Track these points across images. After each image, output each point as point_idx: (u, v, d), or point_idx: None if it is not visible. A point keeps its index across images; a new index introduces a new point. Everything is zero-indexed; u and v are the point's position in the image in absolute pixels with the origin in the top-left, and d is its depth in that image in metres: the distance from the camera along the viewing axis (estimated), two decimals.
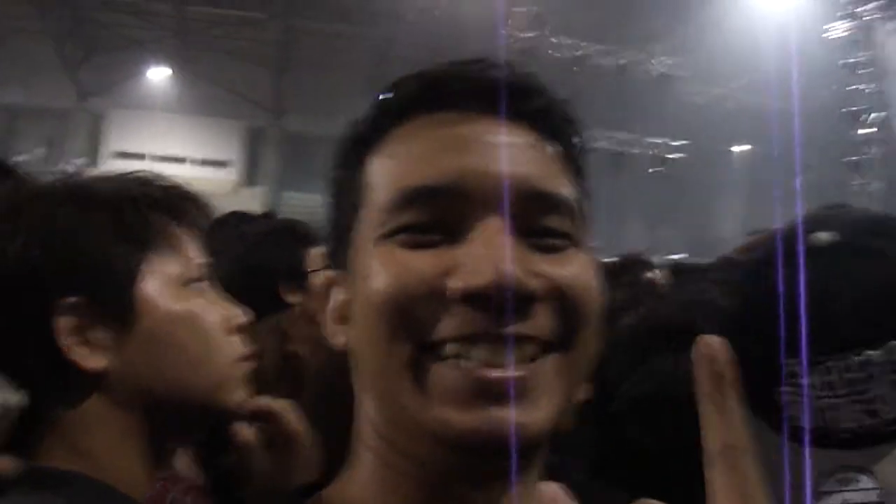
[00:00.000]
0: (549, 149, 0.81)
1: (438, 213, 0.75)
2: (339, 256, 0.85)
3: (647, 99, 23.44)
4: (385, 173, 0.81)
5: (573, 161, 0.84)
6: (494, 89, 0.79)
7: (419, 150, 0.80)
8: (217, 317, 1.21)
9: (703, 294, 1.52)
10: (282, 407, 1.43)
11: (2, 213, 1.10)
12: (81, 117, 30.54)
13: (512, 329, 0.71)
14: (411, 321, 0.72)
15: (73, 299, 1.07)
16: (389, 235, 0.76)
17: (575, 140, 0.85)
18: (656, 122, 24.29)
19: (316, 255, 2.61)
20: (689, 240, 24.46)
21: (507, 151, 0.77)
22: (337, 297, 0.85)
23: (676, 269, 4.46)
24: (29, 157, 29.94)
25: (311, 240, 2.71)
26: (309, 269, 2.59)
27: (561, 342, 0.75)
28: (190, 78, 28.89)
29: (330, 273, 0.87)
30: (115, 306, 1.11)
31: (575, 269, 0.76)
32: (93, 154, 30.44)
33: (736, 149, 29.22)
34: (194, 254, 1.23)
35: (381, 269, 0.75)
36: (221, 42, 27.14)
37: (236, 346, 1.23)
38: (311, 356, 2.29)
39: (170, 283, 1.16)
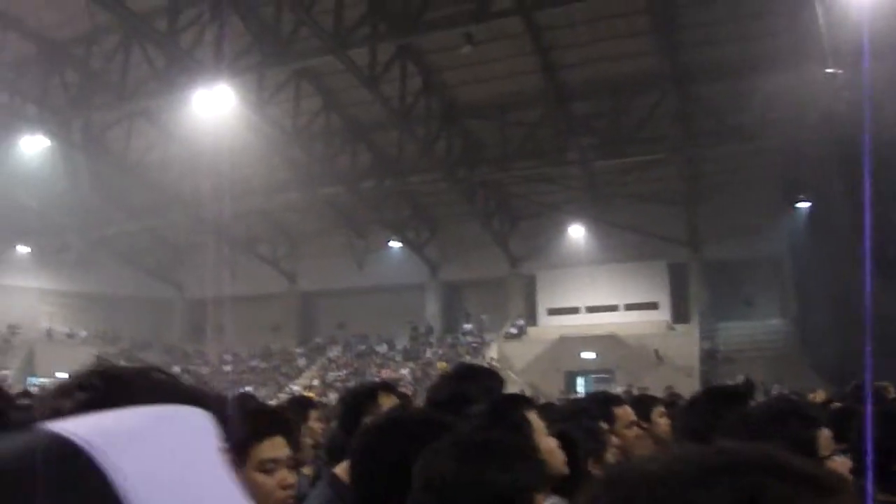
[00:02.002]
0: None
1: None
2: None
3: None
4: None
5: None
6: None
7: None
8: None
9: None
10: None
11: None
12: (515, 282, 33.15)
13: None
14: None
15: None
16: None
17: None
18: None
19: (826, 437, 2.31)
20: None
21: None
22: None
23: None
24: (473, 326, 33.27)
25: (818, 420, 2.39)
26: (822, 455, 2.27)
27: None
28: (606, 228, 30.11)
29: None
30: None
31: None
32: (530, 313, 32.72)
33: None
34: None
35: None
36: (629, 188, 28.08)
37: None
38: None
39: None
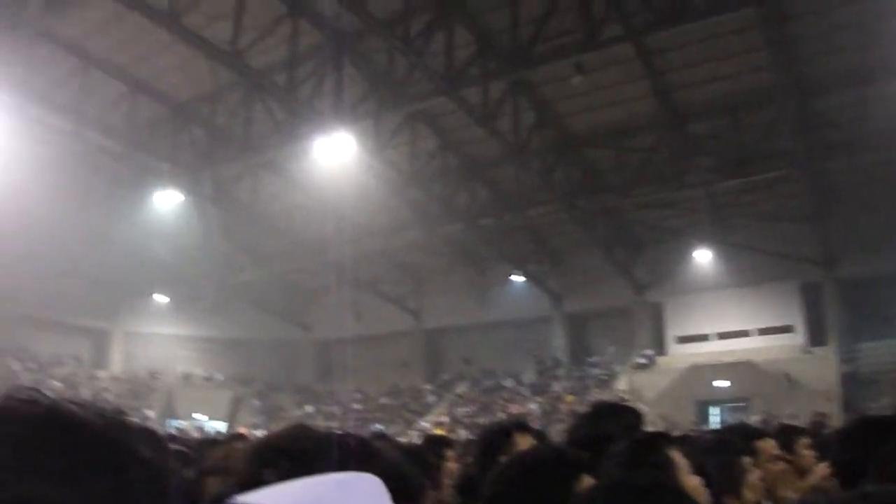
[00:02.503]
0: None
1: None
2: None
3: None
4: None
5: None
6: None
7: None
8: None
9: None
10: None
11: None
12: (642, 310, 32.52)
13: None
14: None
15: None
16: None
17: None
18: None
19: None
20: None
21: None
22: None
23: None
24: (601, 358, 32.80)
25: None
26: None
27: None
28: (733, 251, 29.23)
29: None
30: None
31: None
32: (658, 342, 32.00)
33: None
34: None
35: None
36: (754, 208, 27.28)
37: None
38: None
39: None
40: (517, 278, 33.58)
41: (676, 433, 6.98)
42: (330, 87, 21.62)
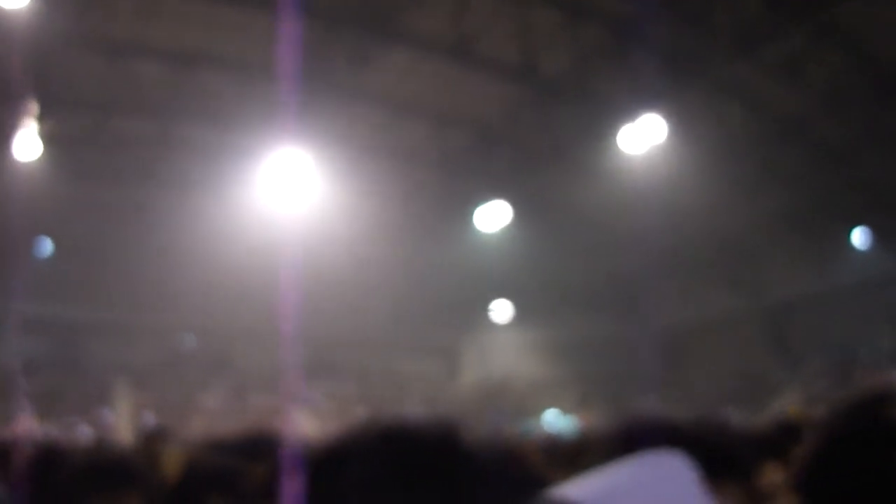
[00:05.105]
0: None
1: None
2: None
3: None
4: None
5: None
6: None
7: None
8: None
9: None
10: None
11: None
12: None
13: None
14: None
15: None
16: None
17: None
18: None
19: None
20: None
21: None
22: None
23: None
24: None
25: None
26: None
27: None
28: None
29: None
30: None
31: None
32: None
33: None
34: None
35: None
36: None
37: None
38: None
39: None
40: (859, 239, 30.80)
41: None
42: (622, 78, 21.69)
